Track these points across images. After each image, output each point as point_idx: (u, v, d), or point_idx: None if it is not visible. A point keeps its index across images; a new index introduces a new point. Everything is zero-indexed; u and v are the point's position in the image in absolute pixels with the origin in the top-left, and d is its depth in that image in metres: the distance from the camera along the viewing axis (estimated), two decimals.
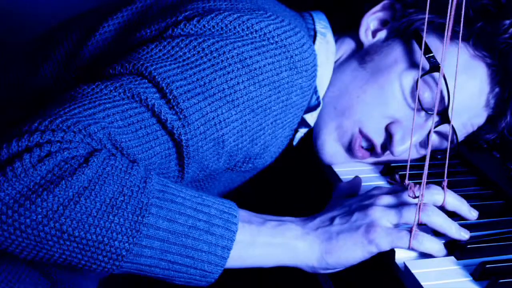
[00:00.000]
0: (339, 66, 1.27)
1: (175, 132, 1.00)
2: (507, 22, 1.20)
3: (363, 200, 1.06)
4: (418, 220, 1.02)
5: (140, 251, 0.91)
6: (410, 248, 1.01)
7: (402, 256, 1.02)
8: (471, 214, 1.09)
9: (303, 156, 1.25)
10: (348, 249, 1.00)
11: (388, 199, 1.05)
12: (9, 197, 0.86)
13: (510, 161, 1.25)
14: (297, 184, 1.48)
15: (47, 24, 1.35)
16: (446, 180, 1.06)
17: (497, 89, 1.22)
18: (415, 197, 1.03)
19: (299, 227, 1.01)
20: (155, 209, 0.91)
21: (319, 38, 1.24)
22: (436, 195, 1.06)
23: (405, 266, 0.99)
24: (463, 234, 1.04)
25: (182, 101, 1.01)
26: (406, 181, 1.05)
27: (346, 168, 1.28)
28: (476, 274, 0.97)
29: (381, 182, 1.25)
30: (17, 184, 0.86)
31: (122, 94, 0.98)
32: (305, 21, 1.26)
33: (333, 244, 1.00)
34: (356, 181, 1.14)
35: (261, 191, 1.35)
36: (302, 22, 1.24)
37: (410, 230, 1.01)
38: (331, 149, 1.25)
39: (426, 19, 0.99)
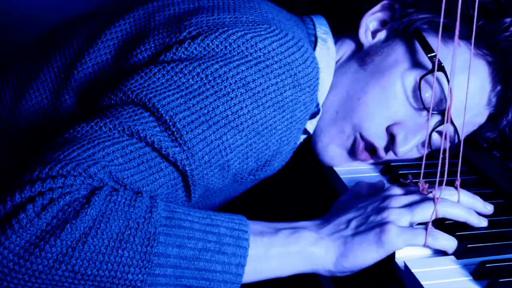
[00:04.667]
0: (339, 68, 1.26)
1: (179, 164, 1.01)
2: (508, 20, 1.20)
3: (378, 202, 1.06)
4: (436, 215, 1.03)
5: (155, 280, 0.92)
6: (426, 245, 1.02)
7: (402, 256, 1.02)
8: (487, 208, 1.10)
9: (301, 158, 1.25)
10: (363, 251, 1.00)
11: (403, 201, 1.06)
12: (18, 247, 0.87)
13: (510, 160, 1.25)
14: (295, 186, 1.48)
15: (47, 24, 1.34)
16: (459, 179, 1.08)
17: (498, 87, 1.22)
18: (428, 194, 1.05)
19: (313, 232, 1.02)
20: (163, 237, 0.92)
21: (320, 43, 1.24)
22: (451, 196, 1.07)
23: (405, 266, 1.00)
24: (483, 222, 1.06)
25: (185, 133, 1.01)
26: (420, 181, 1.06)
27: (346, 168, 1.28)
28: (476, 273, 0.98)
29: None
30: (24, 234, 0.88)
31: (121, 131, 0.98)
32: (306, 26, 1.25)
33: (348, 247, 1.01)
34: (378, 185, 1.15)
35: (260, 194, 1.35)
36: (303, 28, 1.23)
37: (425, 228, 1.02)
38: (333, 152, 1.25)
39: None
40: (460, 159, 1.05)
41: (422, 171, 1.03)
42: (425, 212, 1.04)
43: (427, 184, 1.06)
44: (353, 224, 1.03)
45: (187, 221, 0.94)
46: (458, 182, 1.08)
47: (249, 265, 0.96)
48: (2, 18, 1.93)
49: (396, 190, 1.09)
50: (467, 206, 1.08)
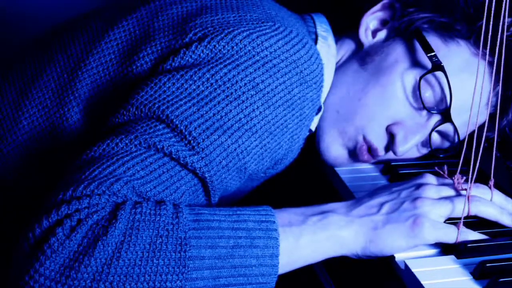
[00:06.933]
0: (340, 67, 1.26)
1: (198, 172, 1.01)
2: (508, 20, 1.19)
3: (413, 188, 1.06)
4: (468, 213, 1.04)
5: (193, 285, 0.92)
6: (456, 243, 1.02)
7: (402, 255, 1.02)
8: None
9: (301, 156, 1.25)
10: (394, 240, 1.01)
11: (437, 192, 1.06)
12: (54, 272, 0.87)
13: (510, 160, 1.25)
14: (295, 186, 1.48)
15: (47, 24, 1.34)
16: (493, 180, 1.09)
17: (498, 87, 1.22)
18: (462, 189, 1.05)
19: (342, 215, 1.02)
20: (195, 241, 0.92)
21: (320, 41, 1.24)
22: (483, 194, 1.08)
23: (406, 265, 1.00)
24: None
25: (202, 140, 1.01)
26: (456, 175, 1.07)
27: (346, 167, 1.28)
28: (476, 273, 0.98)
29: (382, 182, 1.25)
30: (57, 258, 0.87)
31: (138, 145, 0.99)
32: (307, 24, 1.25)
33: (377, 233, 1.01)
34: None
35: (259, 195, 1.35)
36: (303, 25, 1.23)
37: (456, 225, 1.03)
38: (336, 152, 1.25)
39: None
40: (494, 158, 1.05)
41: (460, 165, 1.03)
42: (458, 208, 1.05)
43: (464, 178, 1.07)
44: (385, 208, 1.03)
45: (214, 221, 0.95)
46: (492, 182, 1.09)
47: (282, 257, 0.97)
48: (2, 17, 1.93)
49: (431, 179, 1.09)
50: (499, 206, 1.09)
